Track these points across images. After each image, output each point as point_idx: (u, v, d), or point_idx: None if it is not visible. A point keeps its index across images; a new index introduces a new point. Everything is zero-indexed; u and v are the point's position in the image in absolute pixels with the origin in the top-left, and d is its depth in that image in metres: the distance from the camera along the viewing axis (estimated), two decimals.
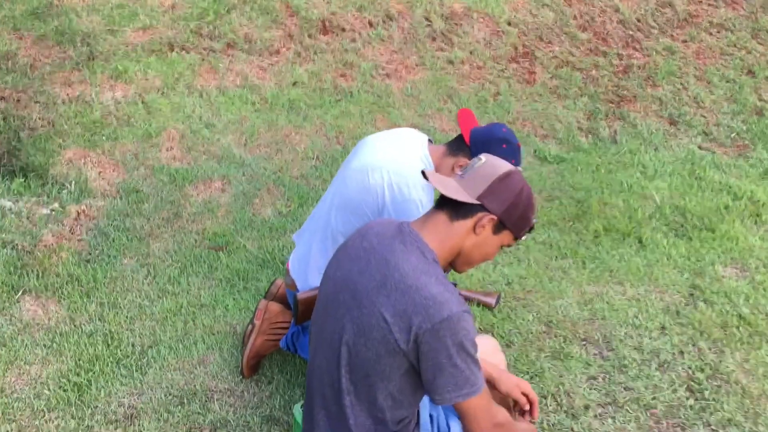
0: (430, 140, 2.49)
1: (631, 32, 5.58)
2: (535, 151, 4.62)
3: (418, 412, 1.77)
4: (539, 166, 4.49)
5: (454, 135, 4.37)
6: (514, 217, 1.65)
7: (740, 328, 3.00)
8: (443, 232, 1.63)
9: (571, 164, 4.51)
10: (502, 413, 1.69)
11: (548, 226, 3.91)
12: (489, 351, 2.14)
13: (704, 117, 4.99)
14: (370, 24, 5.28)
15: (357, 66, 4.99)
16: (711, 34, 5.62)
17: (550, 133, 4.79)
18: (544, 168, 4.47)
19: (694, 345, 2.92)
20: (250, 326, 2.77)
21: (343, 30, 5.18)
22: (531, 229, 1.73)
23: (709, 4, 5.88)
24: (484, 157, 1.68)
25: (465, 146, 2.35)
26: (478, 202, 1.61)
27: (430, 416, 1.82)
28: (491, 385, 1.94)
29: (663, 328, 3.03)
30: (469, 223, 1.63)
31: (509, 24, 5.41)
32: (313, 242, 2.48)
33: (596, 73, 5.23)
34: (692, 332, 2.99)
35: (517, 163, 2.39)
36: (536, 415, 1.98)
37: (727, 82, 5.24)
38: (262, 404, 2.62)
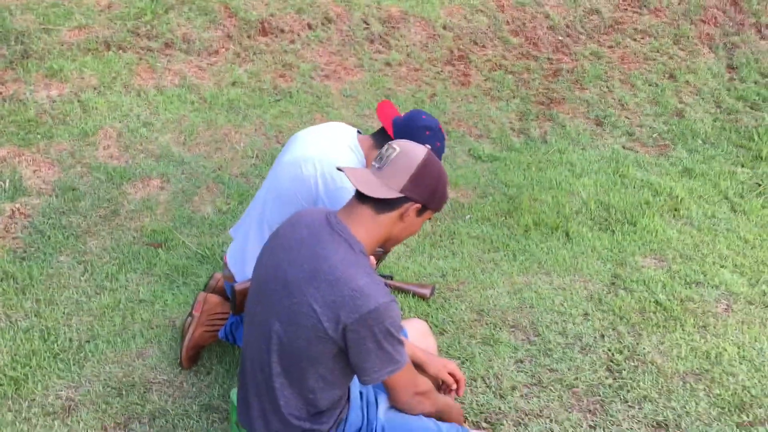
0: (359, 131, 2.58)
1: (560, 38, 5.82)
2: (469, 150, 4.78)
3: (349, 389, 1.86)
4: (473, 164, 4.65)
5: None
6: (436, 199, 1.73)
7: (657, 314, 3.20)
8: (370, 225, 1.69)
9: (504, 163, 4.69)
10: (424, 383, 1.79)
11: (482, 221, 4.06)
12: (420, 335, 2.25)
13: (628, 118, 5.25)
14: (309, 26, 5.36)
15: (296, 67, 5.06)
16: (635, 40, 5.90)
17: (484, 133, 4.96)
18: (477, 166, 4.63)
19: (614, 329, 3.09)
20: (189, 318, 2.81)
21: (282, 31, 5.25)
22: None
23: (634, 12, 6.18)
24: (396, 145, 1.71)
25: (389, 137, 2.44)
26: (401, 195, 1.67)
27: (360, 393, 1.91)
28: (420, 368, 2.04)
29: (586, 314, 3.20)
30: (394, 214, 1.69)
31: (444, 28, 5.57)
32: (249, 235, 2.55)
33: (527, 76, 5.44)
34: (612, 318, 3.18)
35: (441, 146, 2.49)
36: (461, 393, 2.10)
37: (650, 85, 5.52)
38: (201, 393, 2.66)
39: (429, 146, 2.34)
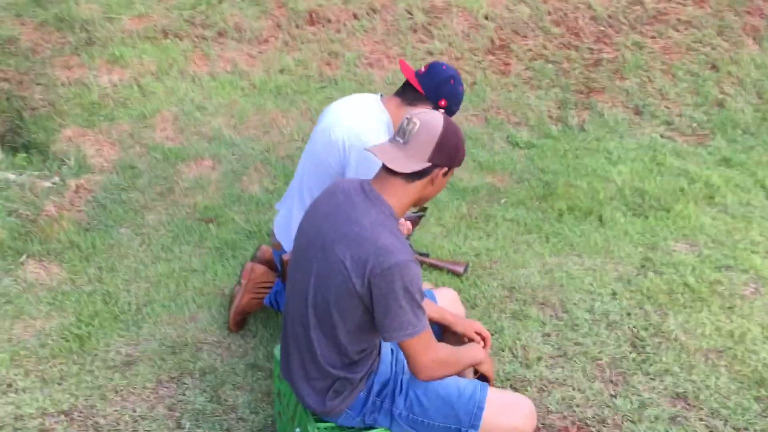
0: (381, 95, 2.74)
1: (602, 28, 5.87)
2: (507, 137, 4.91)
3: (380, 345, 2.04)
4: (511, 150, 4.78)
5: None
6: (458, 159, 1.90)
7: (684, 295, 3.30)
8: (401, 193, 1.85)
9: (541, 150, 4.81)
10: (444, 350, 1.91)
11: (516, 205, 4.20)
12: (449, 301, 2.42)
13: (668, 108, 5.29)
14: (355, 16, 5.55)
15: (341, 55, 5.26)
16: (678, 30, 5.91)
17: (522, 120, 5.08)
18: (515, 153, 4.76)
19: (641, 308, 3.21)
20: (237, 286, 3.04)
21: (329, 21, 5.45)
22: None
23: (678, 3, 6.18)
24: (415, 119, 1.84)
25: (419, 94, 2.56)
26: (430, 164, 1.83)
27: (391, 350, 2.09)
28: (448, 329, 2.22)
29: (614, 293, 3.32)
30: (425, 180, 1.86)
31: (486, 18, 5.69)
32: (293, 205, 2.75)
33: (568, 65, 5.52)
34: (640, 297, 3.29)
35: (462, 91, 2.64)
36: (488, 350, 2.27)
37: (692, 75, 5.54)
38: (247, 354, 2.89)
39: (444, 102, 2.56)
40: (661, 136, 5.07)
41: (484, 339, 2.22)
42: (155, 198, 3.99)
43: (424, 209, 2.56)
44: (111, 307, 3.15)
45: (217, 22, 5.28)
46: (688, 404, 2.64)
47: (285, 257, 2.57)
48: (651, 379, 2.77)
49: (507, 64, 5.43)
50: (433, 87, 2.55)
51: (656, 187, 4.36)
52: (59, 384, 2.69)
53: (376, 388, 1.96)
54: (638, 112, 5.27)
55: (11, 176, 3.89)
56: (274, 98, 4.87)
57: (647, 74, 5.54)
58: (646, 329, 3.06)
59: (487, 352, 2.13)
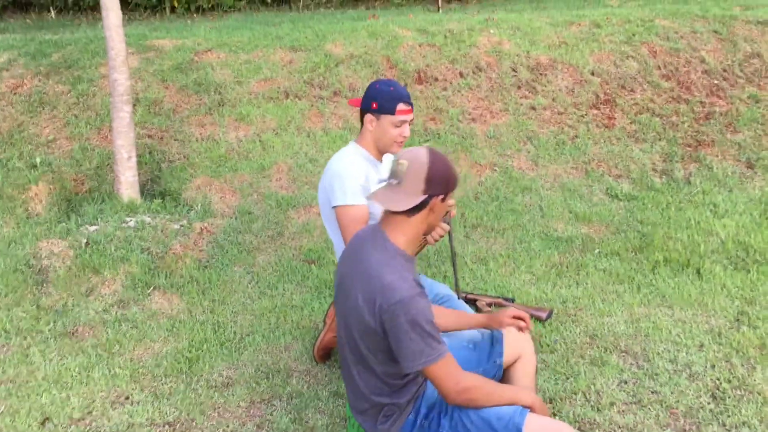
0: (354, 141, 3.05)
1: (716, 81, 5.78)
2: (607, 189, 4.93)
3: None
4: (609, 202, 4.80)
5: (531, 173, 4.80)
6: (451, 183, 2.04)
7: None
8: (406, 228, 2.02)
9: (642, 202, 4.78)
10: (470, 380, 2.02)
11: (610, 255, 4.21)
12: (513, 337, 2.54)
13: None
14: (461, 74, 5.84)
15: (446, 111, 5.55)
16: None
17: (624, 173, 5.09)
18: (614, 204, 4.77)
19: (727, 361, 3.14)
20: (323, 323, 3.33)
21: (436, 80, 5.78)
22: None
23: None
24: (402, 159, 2.00)
25: (363, 110, 2.89)
26: (426, 196, 1.99)
27: None
28: (487, 328, 2.40)
29: (702, 345, 3.27)
30: (424, 212, 2.02)
31: (592, 74, 5.79)
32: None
33: (676, 119, 5.47)
34: (729, 350, 3.21)
35: (383, 84, 2.86)
36: (531, 328, 2.39)
37: None
38: (332, 382, 3.13)
39: (375, 104, 2.82)
40: None
41: (522, 319, 2.32)
42: (266, 240, 4.40)
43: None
44: (219, 335, 3.52)
45: (333, 83, 5.76)
46: None
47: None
48: (726, 430, 2.71)
49: (611, 118, 5.47)
50: (364, 99, 2.86)
51: (763, 241, 4.21)
52: (168, 399, 3.06)
53: (423, 411, 2.13)
54: (750, 166, 5.11)
55: (147, 219, 4.44)
56: None
57: (763, 127, 5.38)
58: (729, 381, 2.99)
59: (533, 385, 2.24)
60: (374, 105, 2.83)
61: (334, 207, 2.87)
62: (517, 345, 2.51)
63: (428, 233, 2.14)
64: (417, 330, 1.90)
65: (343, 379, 2.22)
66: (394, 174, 2.02)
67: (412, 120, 2.91)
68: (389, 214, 2.05)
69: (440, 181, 2.01)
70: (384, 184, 2.06)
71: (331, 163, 2.95)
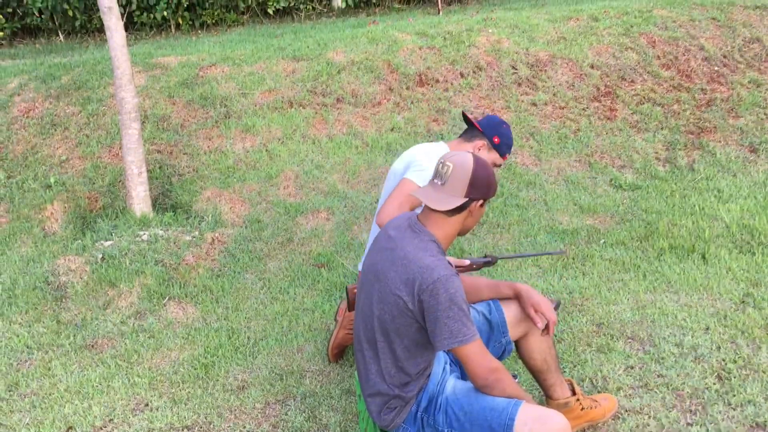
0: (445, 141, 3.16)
1: (716, 68, 5.80)
2: (611, 180, 4.97)
3: (432, 366, 2.27)
4: (614, 193, 4.84)
5: (534, 168, 4.85)
6: (491, 190, 2.15)
7: None
8: (445, 225, 2.14)
9: (646, 191, 4.82)
10: (497, 361, 2.11)
11: (616, 245, 4.25)
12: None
13: None
14: (461, 75, 5.91)
15: (448, 111, 5.61)
16: None
17: (627, 163, 5.13)
18: (618, 195, 4.81)
19: (732, 342, 3.17)
20: (334, 322, 3.40)
21: (437, 81, 5.85)
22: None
23: None
24: (448, 162, 2.12)
25: (477, 131, 3.04)
26: (467, 199, 2.11)
27: (443, 368, 2.31)
28: (516, 299, 2.44)
29: (707, 328, 3.31)
30: (464, 213, 2.15)
31: (592, 67, 5.83)
32: (370, 242, 3.13)
33: (678, 107, 5.50)
34: (734, 332, 3.25)
35: (511, 136, 3.08)
36: (551, 334, 2.42)
37: None
38: (344, 381, 3.21)
39: (498, 140, 3.02)
40: None
41: (548, 320, 2.36)
42: (276, 247, 4.49)
43: (493, 262, 2.80)
44: (233, 341, 3.61)
45: (335, 90, 5.85)
46: None
47: (349, 287, 2.90)
48: (732, 408, 2.75)
49: (612, 110, 5.52)
50: (489, 126, 3.02)
51: None
52: (185, 404, 3.15)
53: (423, 403, 2.20)
54: (753, 150, 5.13)
55: (160, 232, 4.55)
56: (384, 154, 5.30)
57: (764, 111, 5.40)
58: (734, 362, 3.03)
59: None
60: (496, 139, 3.03)
61: (405, 177, 2.93)
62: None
63: (463, 234, 2.23)
64: (455, 309, 1.98)
65: (357, 365, 2.29)
66: (439, 174, 2.14)
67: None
68: (429, 210, 2.15)
69: (482, 187, 2.11)
70: (429, 183, 2.17)
71: (426, 146, 3.04)
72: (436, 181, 2.15)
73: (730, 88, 5.61)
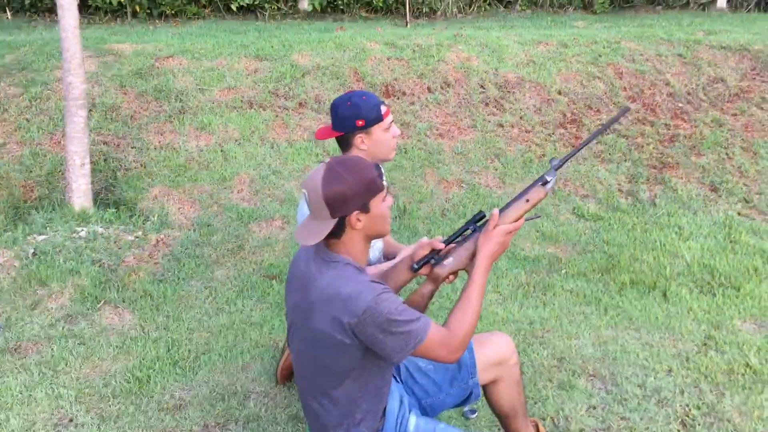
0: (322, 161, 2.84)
1: (680, 104, 5.83)
2: (573, 209, 4.90)
3: (386, 404, 2.05)
4: (576, 222, 4.77)
5: (498, 191, 4.74)
6: (364, 194, 1.83)
7: (745, 375, 3.15)
8: (346, 245, 1.88)
9: (608, 223, 4.77)
10: (453, 332, 1.87)
11: (577, 276, 4.16)
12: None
13: (746, 186, 5.14)
14: (429, 89, 5.78)
15: (413, 125, 5.47)
16: (762, 108, 5.79)
17: (590, 193, 5.07)
18: (580, 224, 4.74)
19: (696, 386, 3.09)
20: (286, 341, 3.18)
21: (404, 94, 5.71)
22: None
23: (763, 81, 6.07)
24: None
25: (340, 138, 2.61)
26: (335, 220, 1.81)
27: (398, 404, 2.10)
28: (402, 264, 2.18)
29: (670, 370, 3.22)
30: (348, 231, 1.86)
31: (560, 93, 5.79)
32: None
33: (642, 140, 5.49)
34: (697, 375, 3.17)
35: (368, 97, 2.60)
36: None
37: None
38: (291, 405, 2.98)
39: (362, 122, 2.53)
40: (738, 213, 4.92)
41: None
42: (226, 254, 4.24)
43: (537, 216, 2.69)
44: (172, 354, 3.35)
45: (298, 94, 5.64)
46: None
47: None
48: None
49: (578, 138, 5.47)
50: (344, 119, 2.57)
51: (727, 265, 4.22)
52: (114, 422, 2.87)
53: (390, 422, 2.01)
54: (714, 189, 5.15)
55: (99, 229, 4.24)
56: None
57: (726, 151, 5.43)
58: (698, 408, 2.94)
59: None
60: (360, 122, 2.57)
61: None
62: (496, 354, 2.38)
63: (381, 236, 1.98)
64: (393, 326, 1.78)
65: (305, 414, 2.08)
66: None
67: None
68: (327, 238, 1.89)
69: (344, 200, 1.81)
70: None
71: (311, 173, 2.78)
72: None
73: (693, 125, 5.64)
